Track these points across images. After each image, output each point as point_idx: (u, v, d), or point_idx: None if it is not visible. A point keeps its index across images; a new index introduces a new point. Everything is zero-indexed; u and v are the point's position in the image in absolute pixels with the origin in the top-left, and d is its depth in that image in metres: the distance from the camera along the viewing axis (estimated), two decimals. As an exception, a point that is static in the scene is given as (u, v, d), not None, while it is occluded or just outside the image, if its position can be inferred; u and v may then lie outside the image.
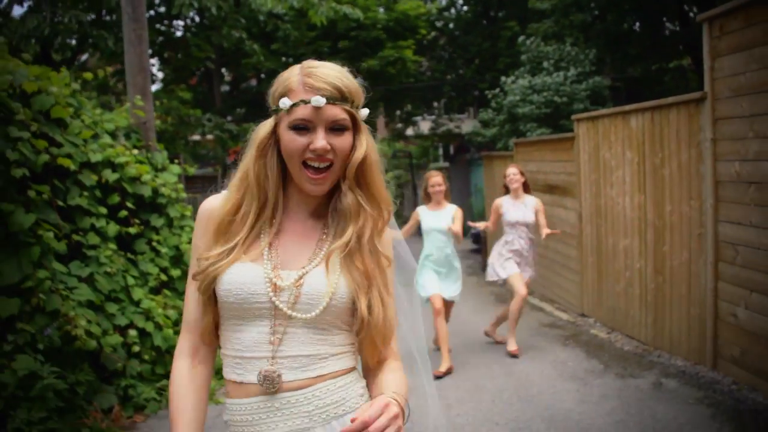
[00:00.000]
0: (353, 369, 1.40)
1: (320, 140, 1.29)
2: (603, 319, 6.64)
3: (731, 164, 4.40)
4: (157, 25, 10.10)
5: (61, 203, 4.38)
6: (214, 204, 1.41)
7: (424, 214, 5.50)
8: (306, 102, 1.30)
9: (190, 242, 5.78)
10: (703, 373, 4.71)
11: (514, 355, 5.55)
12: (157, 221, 5.55)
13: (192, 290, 1.40)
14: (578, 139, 7.10)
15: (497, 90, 11.79)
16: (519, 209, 5.75)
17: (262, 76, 13.23)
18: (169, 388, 1.40)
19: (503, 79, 11.44)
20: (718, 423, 3.83)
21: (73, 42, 7.39)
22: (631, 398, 4.35)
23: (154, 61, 13.16)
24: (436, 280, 5.40)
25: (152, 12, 8.10)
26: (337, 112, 1.31)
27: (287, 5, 8.20)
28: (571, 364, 5.25)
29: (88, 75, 5.37)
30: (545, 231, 5.61)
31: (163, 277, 5.45)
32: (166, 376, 4.97)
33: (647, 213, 5.61)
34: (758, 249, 4.15)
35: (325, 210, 1.42)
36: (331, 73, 1.33)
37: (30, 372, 3.59)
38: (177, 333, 5.08)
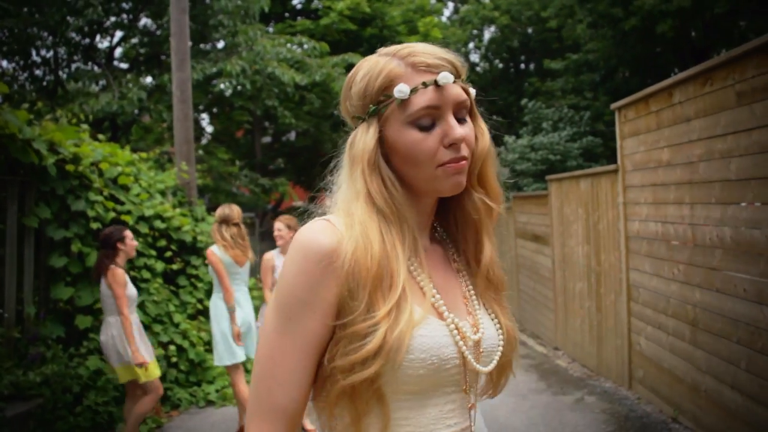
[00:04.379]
0: None
1: (458, 128, 1.02)
2: (568, 351, 7.73)
3: (634, 223, 5.58)
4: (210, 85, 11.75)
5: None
6: (334, 239, 0.98)
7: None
8: (428, 84, 1.02)
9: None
10: (620, 393, 5.80)
11: None
12: (196, 261, 7.03)
13: (292, 360, 0.98)
14: (551, 196, 8.31)
15: (501, 147, 13.09)
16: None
17: (299, 130, 14.71)
18: None
19: (506, 138, 12.74)
20: (608, 426, 4.95)
21: (136, 112, 9.05)
22: (552, 409, 5.48)
23: (204, 115, 15.02)
24: None
25: (203, 74, 9.57)
26: (460, 92, 1.05)
27: (310, 80, 9.76)
28: (521, 385, 6.39)
29: (143, 155, 6.96)
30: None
31: (199, 306, 6.88)
32: (198, 383, 6.35)
33: (591, 260, 6.77)
34: (650, 290, 5.30)
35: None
36: (434, 48, 1.07)
37: (97, 368, 5.00)
38: (207, 351, 6.48)
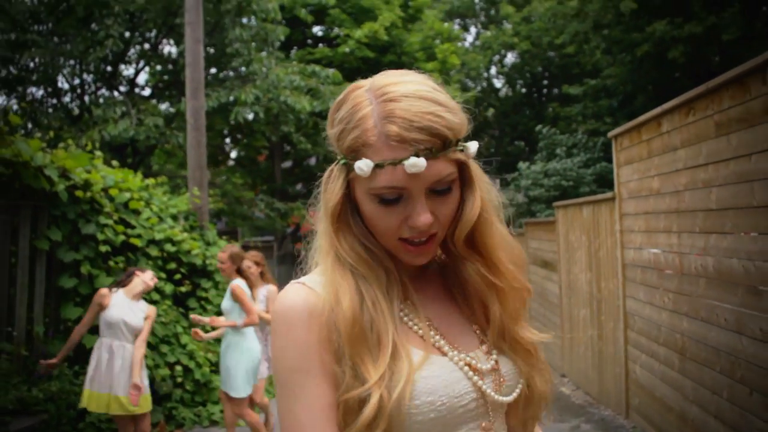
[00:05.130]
0: None
1: (422, 215, 0.92)
2: (573, 378, 7.71)
3: (630, 251, 5.62)
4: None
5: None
6: (310, 301, 0.95)
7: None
8: (395, 163, 0.89)
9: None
10: (617, 421, 5.79)
11: None
12: (206, 284, 7.23)
13: (322, 426, 0.92)
14: (558, 223, 8.35)
15: (516, 173, 13.16)
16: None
17: (318, 156, 14.94)
18: None
19: (520, 164, 12.82)
20: (600, 453, 4.96)
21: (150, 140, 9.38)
22: (548, 434, 5.50)
23: (228, 140, 15.40)
24: None
25: (218, 102, 9.79)
26: (441, 169, 0.91)
27: (324, 106, 10.02)
28: (521, 410, 6.41)
29: (155, 180, 7.23)
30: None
31: (208, 328, 7.06)
32: (203, 403, 6.51)
33: (593, 287, 6.80)
34: (644, 318, 5.32)
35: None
36: (422, 106, 0.90)
37: (101, 387, 5.18)
38: (213, 372, 6.64)
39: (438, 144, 0.90)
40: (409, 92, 0.92)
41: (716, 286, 4.06)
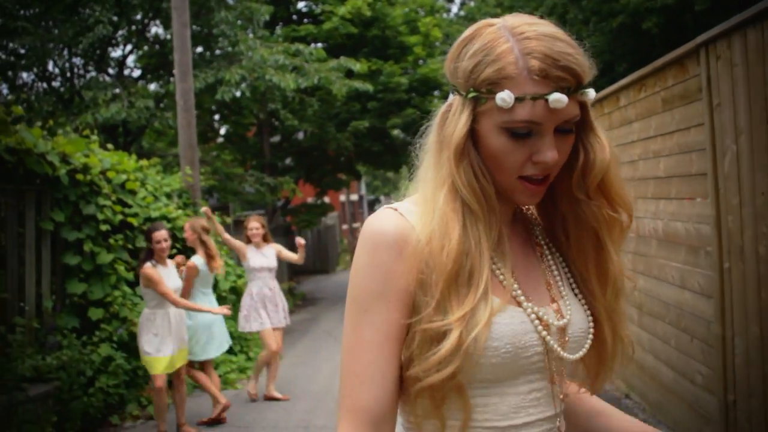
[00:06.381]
0: None
1: (551, 151, 0.94)
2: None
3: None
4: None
5: (130, 246, 6.46)
6: (404, 227, 0.97)
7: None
8: (537, 98, 0.91)
9: (225, 274, 7.85)
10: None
11: (252, 399, 6.10)
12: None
13: (372, 354, 0.95)
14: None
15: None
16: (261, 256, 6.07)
17: (307, 131, 15.16)
18: None
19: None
20: (568, 401, 5.42)
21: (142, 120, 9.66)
22: None
23: (217, 116, 15.64)
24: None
25: (205, 83, 10.08)
26: (572, 108, 0.94)
27: (310, 83, 10.31)
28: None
29: (148, 161, 7.57)
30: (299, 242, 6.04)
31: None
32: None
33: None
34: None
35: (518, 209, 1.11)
36: (561, 47, 0.93)
37: (108, 355, 5.61)
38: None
39: (574, 83, 0.93)
40: (547, 33, 0.93)
41: (665, 246, 4.49)
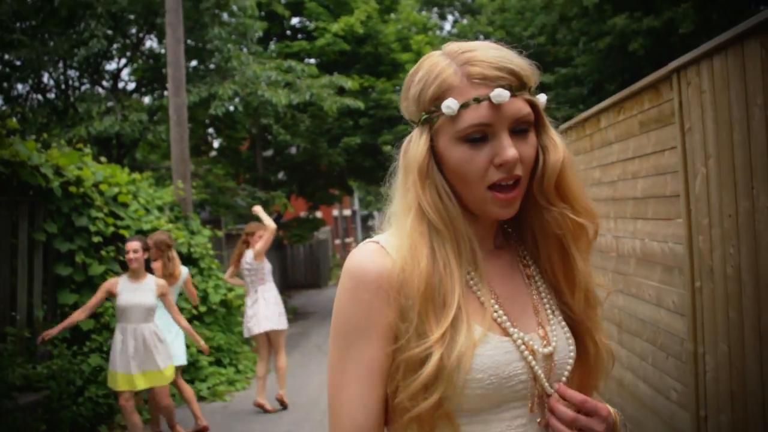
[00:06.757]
0: None
1: (510, 148, 0.95)
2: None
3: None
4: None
5: (121, 258, 6.54)
6: (383, 263, 0.98)
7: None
8: (480, 100, 0.95)
9: (215, 288, 7.95)
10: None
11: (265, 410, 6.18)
12: (192, 270, 7.71)
13: (355, 387, 0.98)
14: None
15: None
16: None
17: (299, 146, 15.29)
18: None
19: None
20: (549, 415, 5.52)
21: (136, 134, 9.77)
22: None
23: (211, 129, 15.78)
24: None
25: (199, 97, 10.22)
26: (520, 107, 0.98)
27: (301, 99, 10.47)
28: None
29: (140, 175, 7.69)
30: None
31: (194, 311, 7.55)
32: (191, 381, 7.02)
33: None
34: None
35: (499, 232, 1.11)
36: (498, 53, 0.99)
37: (98, 365, 5.68)
38: (200, 352, 7.14)
39: (516, 82, 0.97)
40: (483, 45, 1.00)
41: (642, 265, 4.63)
